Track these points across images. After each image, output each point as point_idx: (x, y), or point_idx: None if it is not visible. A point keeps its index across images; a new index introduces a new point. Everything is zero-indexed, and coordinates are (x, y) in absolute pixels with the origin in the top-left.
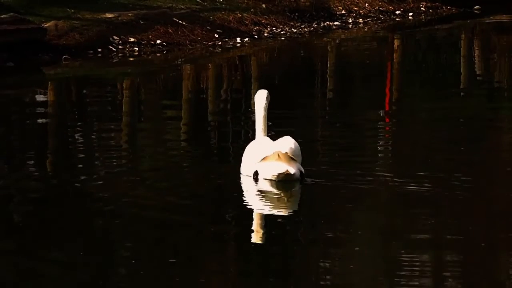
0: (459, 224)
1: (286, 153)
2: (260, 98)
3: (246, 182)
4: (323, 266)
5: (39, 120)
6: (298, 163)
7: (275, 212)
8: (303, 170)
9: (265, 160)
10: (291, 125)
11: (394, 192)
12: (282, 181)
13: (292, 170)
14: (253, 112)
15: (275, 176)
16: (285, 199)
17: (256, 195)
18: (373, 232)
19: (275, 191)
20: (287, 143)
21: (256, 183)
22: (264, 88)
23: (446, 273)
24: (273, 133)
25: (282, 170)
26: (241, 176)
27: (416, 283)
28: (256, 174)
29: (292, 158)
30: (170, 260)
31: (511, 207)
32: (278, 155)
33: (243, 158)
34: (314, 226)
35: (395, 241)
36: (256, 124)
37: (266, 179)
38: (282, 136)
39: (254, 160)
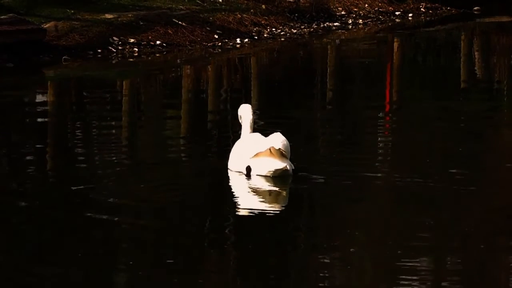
0: (458, 223)
1: (280, 149)
2: (246, 108)
3: (239, 179)
4: (321, 266)
5: (39, 121)
6: (288, 159)
7: (272, 209)
8: (293, 166)
9: (258, 156)
10: (291, 123)
11: (392, 190)
12: (276, 177)
13: (288, 166)
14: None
15: (272, 172)
16: (283, 196)
17: (255, 192)
18: (370, 231)
19: (272, 187)
20: (279, 139)
21: (249, 179)
22: (264, 88)
23: (445, 273)
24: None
25: (280, 167)
26: (229, 172)
27: (414, 283)
28: (248, 169)
29: (283, 154)
30: (168, 261)
31: (511, 205)
32: (271, 151)
33: (231, 154)
34: (311, 223)
35: (392, 241)
36: (243, 129)
37: (259, 175)
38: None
39: (246, 156)
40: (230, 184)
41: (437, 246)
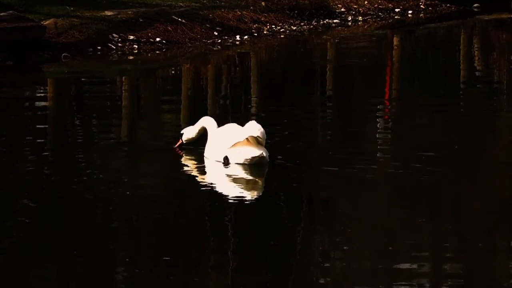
0: (456, 221)
1: (258, 136)
2: (210, 120)
3: (222, 169)
4: (319, 263)
5: (39, 118)
6: (264, 146)
7: (267, 204)
8: (268, 153)
9: (236, 145)
10: (290, 119)
11: (389, 186)
12: (254, 165)
13: (264, 153)
14: (251, 109)
15: (248, 160)
16: (259, 186)
17: (245, 185)
18: (366, 227)
19: (257, 178)
20: (255, 127)
21: (227, 167)
22: (263, 86)
23: (443, 272)
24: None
25: (256, 154)
26: (205, 160)
27: (412, 280)
28: (226, 160)
29: (259, 142)
30: (165, 258)
31: (510, 201)
32: (248, 139)
33: (208, 143)
34: (308, 218)
35: (387, 239)
36: (210, 132)
37: (237, 163)
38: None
39: (224, 146)
40: (228, 180)
41: (435, 244)
